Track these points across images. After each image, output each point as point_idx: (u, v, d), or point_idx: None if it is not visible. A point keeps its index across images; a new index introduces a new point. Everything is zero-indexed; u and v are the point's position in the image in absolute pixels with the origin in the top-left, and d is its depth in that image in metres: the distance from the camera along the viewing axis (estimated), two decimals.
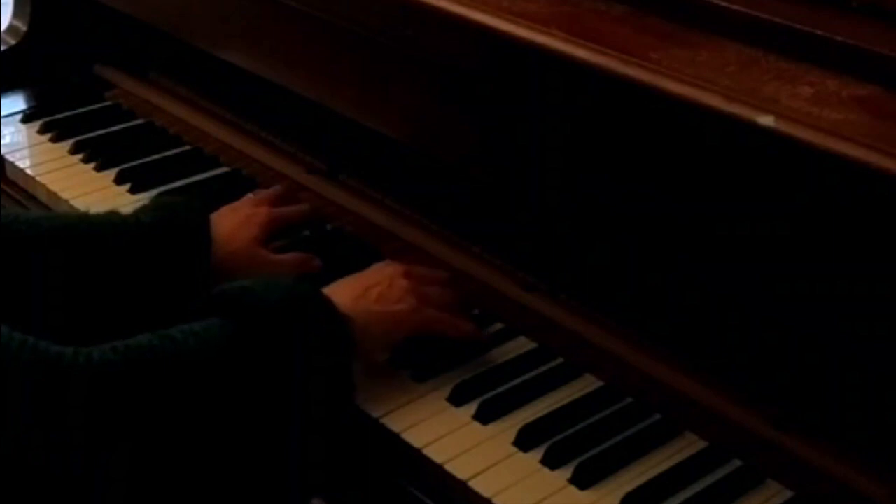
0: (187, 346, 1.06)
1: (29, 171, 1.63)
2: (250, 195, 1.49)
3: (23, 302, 1.20)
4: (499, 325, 1.31)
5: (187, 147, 1.69)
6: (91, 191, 1.58)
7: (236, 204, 1.43)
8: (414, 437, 1.16)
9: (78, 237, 1.26)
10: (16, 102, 1.79)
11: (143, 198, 1.53)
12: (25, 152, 1.68)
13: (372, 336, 1.19)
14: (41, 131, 1.72)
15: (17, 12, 1.84)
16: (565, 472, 1.13)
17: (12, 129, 1.73)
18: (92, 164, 1.63)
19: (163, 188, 1.56)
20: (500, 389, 1.22)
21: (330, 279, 1.37)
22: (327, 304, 1.16)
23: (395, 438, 1.17)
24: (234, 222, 1.38)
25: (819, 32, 1.08)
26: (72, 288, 1.24)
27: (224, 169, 1.64)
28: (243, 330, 1.09)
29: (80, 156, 1.65)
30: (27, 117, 1.75)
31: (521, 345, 1.29)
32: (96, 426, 0.99)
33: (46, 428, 0.98)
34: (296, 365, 1.11)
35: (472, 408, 1.20)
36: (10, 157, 1.65)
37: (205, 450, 1.05)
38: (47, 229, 1.26)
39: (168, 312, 1.27)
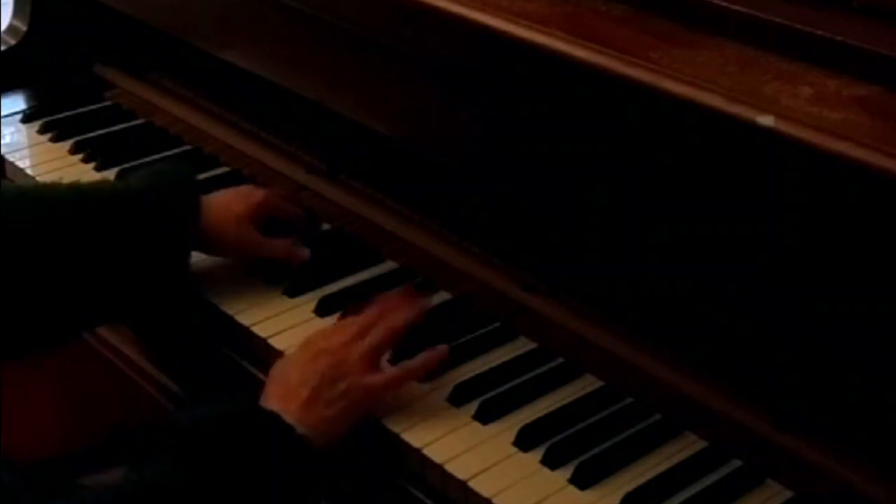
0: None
1: (29, 171, 1.63)
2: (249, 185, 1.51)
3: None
4: (498, 325, 1.31)
5: (187, 147, 1.69)
6: None
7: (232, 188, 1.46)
8: (414, 437, 1.16)
9: (71, 209, 1.29)
10: (16, 102, 1.79)
11: None
12: (25, 152, 1.68)
13: (341, 434, 1.16)
14: (41, 131, 1.72)
15: (17, 12, 1.84)
16: (565, 472, 1.13)
17: (12, 129, 1.73)
18: (92, 164, 1.63)
19: None
20: (500, 389, 1.22)
21: (328, 280, 1.38)
22: (278, 432, 1.13)
23: (395, 438, 1.17)
24: (228, 196, 1.41)
25: (819, 32, 1.08)
26: (68, 261, 1.26)
27: (224, 169, 1.64)
28: (197, 473, 1.09)
29: (80, 156, 1.66)
30: (27, 117, 1.75)
31: (521, 345, 1.29)
32: None
33: None
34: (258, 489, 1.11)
35: (472, 408, 1.20)
36: (10, 157, 1.65)
37: None
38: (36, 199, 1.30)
39: (159, 280, 1.31)
